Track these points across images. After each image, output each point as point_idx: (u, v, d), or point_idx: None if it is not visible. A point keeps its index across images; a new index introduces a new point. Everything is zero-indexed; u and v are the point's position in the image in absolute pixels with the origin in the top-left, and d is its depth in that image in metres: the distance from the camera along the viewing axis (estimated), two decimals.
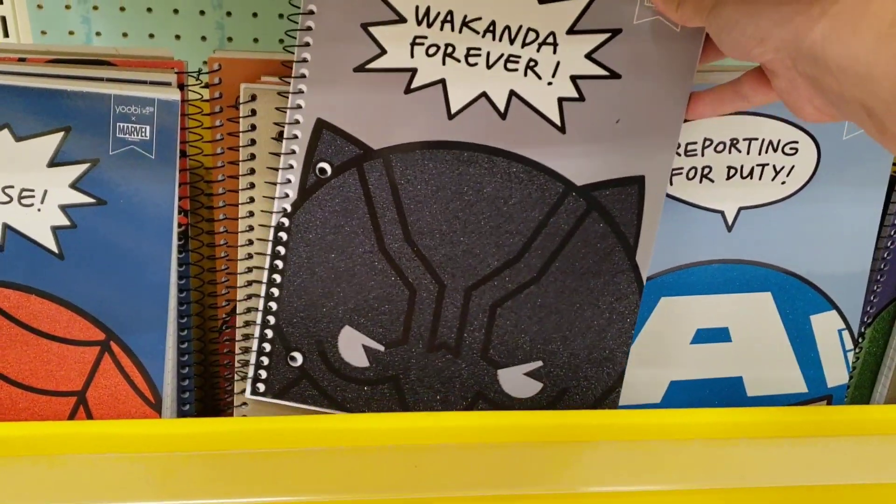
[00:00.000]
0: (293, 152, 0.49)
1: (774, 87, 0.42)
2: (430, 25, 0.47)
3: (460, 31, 0.47)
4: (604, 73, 0.47)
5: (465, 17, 0.47)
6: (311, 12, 0.46)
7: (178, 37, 0.75)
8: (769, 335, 0.56)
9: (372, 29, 0.47)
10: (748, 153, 0.52)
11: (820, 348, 0.57)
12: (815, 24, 0.36)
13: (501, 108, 0.48)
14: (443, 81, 0.47)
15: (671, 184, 0.52)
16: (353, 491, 0.46)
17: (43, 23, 0.74)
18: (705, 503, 0.48)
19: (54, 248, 0.47)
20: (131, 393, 0.50)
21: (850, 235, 0.55)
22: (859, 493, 0.50)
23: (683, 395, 0.57)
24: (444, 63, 0.47)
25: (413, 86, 0.47)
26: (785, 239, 0.55)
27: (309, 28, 0.47)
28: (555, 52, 0.47)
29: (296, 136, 0.48)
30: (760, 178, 0.53)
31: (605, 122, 0.48)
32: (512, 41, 0.47)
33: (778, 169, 0.53)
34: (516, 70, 0.47)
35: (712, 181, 0.52)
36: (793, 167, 0.53)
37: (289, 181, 0.49)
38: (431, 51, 0.47)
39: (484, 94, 0.48)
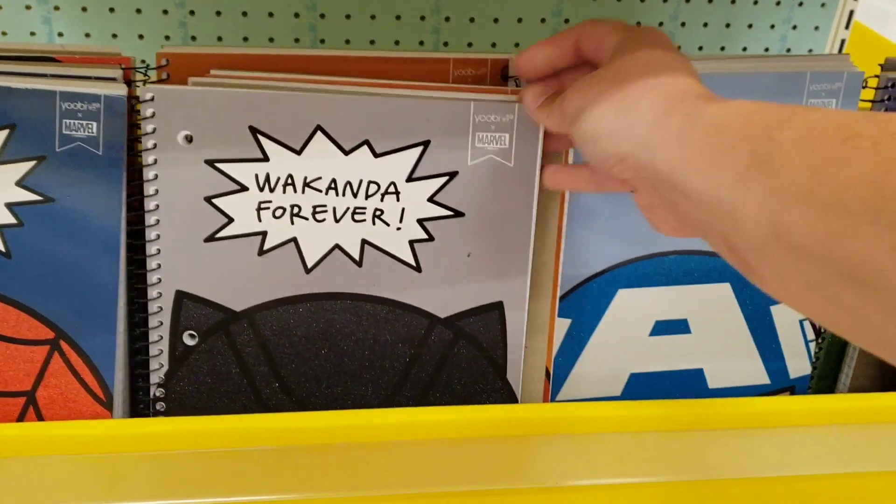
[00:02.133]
0: (160, 324, 0.50)
1: (635, 199, 0.42)
2: (272, 190, 0.48)
3: (303, 192, 0.48)
4: (448, 213, 0.49)
5: (306, 178, 0.48)
6: (157, 192, 0.48)
7: (140, 36, 0.75)
8: (729, 326, 0.57)
9: (216, 201, 0.48)
10: None
11: (781, 339, 0.58)
12: (675, 153, 0.35)
13: (356, 256, 0.49)
14: (294, 240, 0.49)
15: None
16: (302, 489, 0.46)
17: (3, 24, 0.73)
18: (663, 496, 0.49)
19: (1, 247, 0.47)
20: (82, 392, 0.49)
21: None
22: (823, 483, 0.50)
23: (644, 387, 0.57)
24: (292, 223, 0.49)
25: (266, 247, 0.49)
26: None
27: (157, 207, 0.48)
28: (398, 199, 0.49)
29: (160, 309, 0.50)
30: None
31: (457, 257, 0.50)
32: (355, 195, 0.48)
33: None
34: (364, 220, 0.49)
35: None
36: None
37: (160, 352, 0.50)
38: (278, 213, 0.49)
39: (337, 246, 0.49)
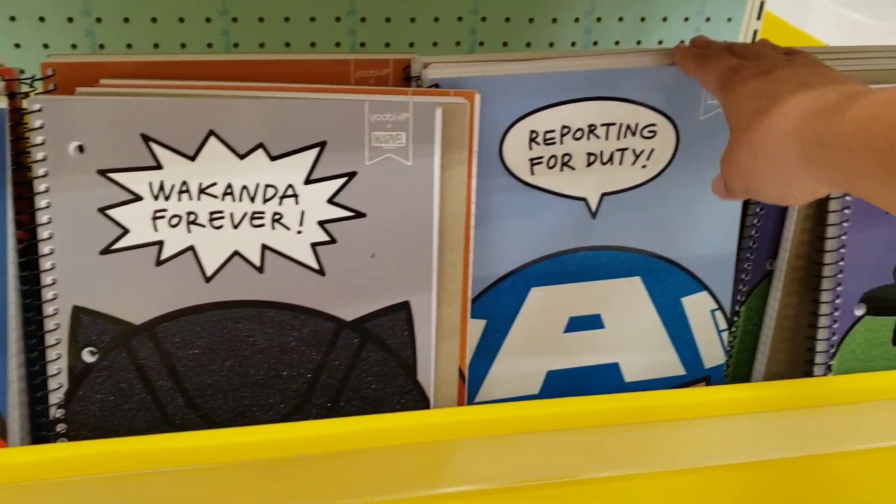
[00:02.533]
0: (57, 342, 0.48)
1: None
2: (167, 198, 0.47)
3: (199, 199, 0.47)
4: (349, 214, 0.48)
5: (201, 184, 0.47)
6: (49, 206, 0.46)
7: (46, 45, 0.72)
8: (642, 319, 0.57)
9: (110, 212, 0.47)
10: (607, 138, 0.53)
11: (694, 330, 0.58)
12: (837, 180, 0.38)
13: (256, 262, 0.48)
14: (192, 248, 0.48)
15: (532, 173, 0.52)
16: None
17: None
18: (579, 494, 0.49)
19: None
20: None
21: (715, 216, 0.56)
22: (738, 472, 0.51)
23: (562, 384, 0.57)
24: (189, 231, 0.47)
25: (163, 257, 0.48)
26: (650, 223, 0.55)
27: (49, 221, 0.46)
28: (297, 202, 0.48)
29: (57, 326, 0.48)
30: (621, 163, 0.53)
31: (361, 258, 0.49)
32: (252, 199, 0.47)
33: (638, 153, 0.53)
34: (263, 225, 0.48)
35: (573, 168, 0.53)
36: (652, 150, 0.54)
37: (59, 371, 0.48)
38: (174, 221, 0.47)
39: (237, 253, 0.48)
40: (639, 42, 0.95)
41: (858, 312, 0.56)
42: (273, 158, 0.47)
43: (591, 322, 0.56)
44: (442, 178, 0.49)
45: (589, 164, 0.53)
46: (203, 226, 0.47)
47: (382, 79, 0.53)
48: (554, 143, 0.52)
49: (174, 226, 0.47)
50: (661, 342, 0.58)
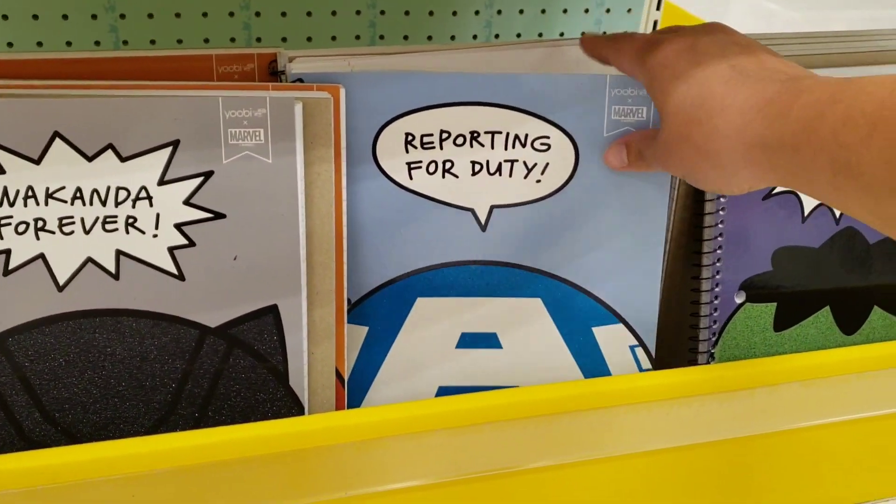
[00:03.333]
0: None
1: None
2: (12, 205, 0.44)
3: (47, 204, 0.45)
4: (207, 215, 0.46)
5: (48, 189, 0.44)
6: None
7: None
8: (546, 345, 0.53)
9: None
10: (492, 147, 0.50)
11: (610, 366, 0.54)
12: (779, 178, 0.38)
13: (111, 268, 0.46)
14: (42, 256, 0.45)
15: (411, 178, 0.50)
16: None
17: None
18: (461, 494, 0.48)
19: None
20: None
21: (631, 242, 0.52)
22: (676, 455, 0.51)
23: None
24: (38, 238, 0.45)
25: (11, 266, 0.45)
26: (548, 242, 0.51)
27: None
28: (151, 204, 0.46)
29: None
30: (511, 176, 0.50)
31: (223, 261, 0.47)
32: (104, 203, 0.45)
33: (530, 166, 0.50)
34: (117, 229, 0.46)
35: (456, 176, 0.50)
36: (547, 164, 0.50)
37: None
38: (21, 228, 0.45)
39: (90, 259, 0.46)
40: (540, 34, 0.95)
41: (739, 300, 0.56)
42: (123, 159, 0.45)
43: (486, 340, 0.53)
44: (307, 176, 0.48)
45: (474, 173, 0.50)
46: (52, 232, 0.45)
47: (247, 74, 0.51)
48: (433, 147, 0.50)
49: (21, 233, 0.45)
50: (571, 374, 0.54)
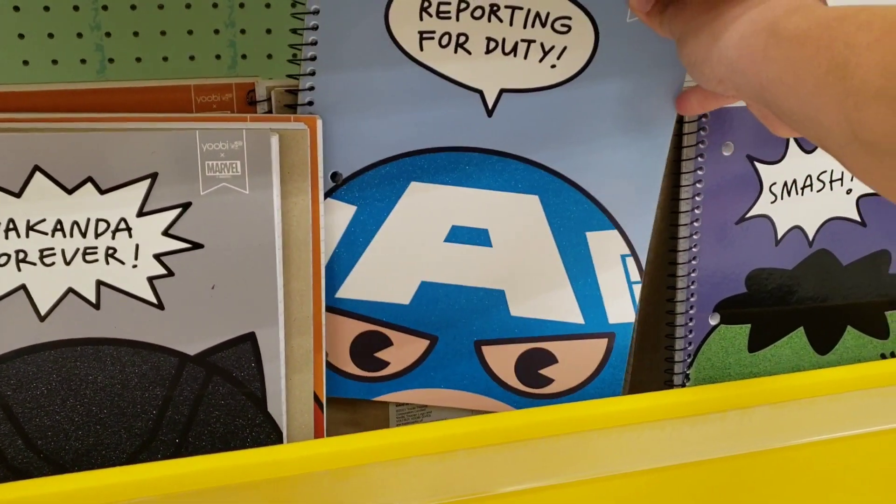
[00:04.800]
0: None
1: (749, 108, 0.46)
2: None
3: (27, 236, 0.45)
4: (185, 245, 0.47)
5: (29, 221, 0.45)
6: None
7: None
8: (537, 247, 0.50)
9: None
10: (511, 24, 0.46)
11: (599, 273, 0.52)
12: (763, 70, 0.37)
13: (92, 298, 0.47)
14: (23, 287, 0.46)
15: (421, 49, 0.46)
16: None
17: None
18: None
19: None
20: None
21: (637, 145, 0.49)
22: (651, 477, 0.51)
23: (436, 300, 0.51)
24: (19, 269, 0.46)
25: None
26: (556, 136, 0.48)
27: None
28: (130, 235, 0.46)
29: None
30: (526, 57, 0.47)
31: (201, 290, 0.48)
32: (84, 234, 0.46)
33: (547, 48, 0.47)
34: (97, 260, 0.46)
35: (469, 52, 0.46)
36: (565, 48, 0.47)
37: None
38: (2, 260, 0.45)
39: (71, 290, 0.46)
40: None
41: (713, 322, 0.57)
42: (103, 192, 0.45)
43: (476, 236, 0.50)
44: (284, 207, 0.48)
45: (488, 51, 0.46)
46: (34, 264, 0.46)
47: (225, 104, 0.52)
48: (449, 17, 0.45)
49: (2, 265, 0.45)
50: (558, 279, 0.51)
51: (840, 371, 0.55)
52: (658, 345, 0.59)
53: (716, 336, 0.57)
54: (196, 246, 0.47)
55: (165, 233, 0.47)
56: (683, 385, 0.57)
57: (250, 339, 0.49)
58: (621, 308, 0.53)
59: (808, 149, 0.57)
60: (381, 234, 0.50)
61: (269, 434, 0.51)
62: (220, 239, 0.47)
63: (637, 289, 0.53)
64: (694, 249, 0.55)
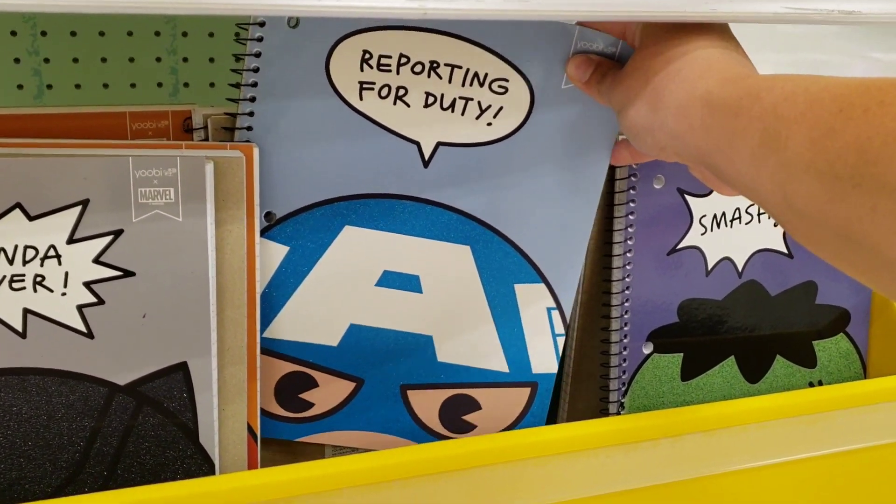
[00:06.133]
0: None
1: (690, 171, 0.48)
2: None
3: None
4: (116, 273, 0.46)
5: None
6: None
7: None
8: (466, 296, 0.51)
9: None
10: (450, 81, 0.48)
11: (525, 324, 0.53)
12: (701, 140, 0.39)
13: (18, 327, 0.46)
14: None
15: (361, 98, 0.47)
16: None
17: None
18: None
19: None
20: None
21: (566, 203, 0.51)
22: None
23: (364, 342, 0.52)
24: None
25: None
26: (488, 189, 0.50)
27: None
28: (60, 263, 0.46)
29: None
30: (463, 114, 0.48)
31: (132, 319, 0.47)
32: (11, 262, 0.45)
33: (483, 107, 0.48)
34: (24, 288, 0.45)
35: (408, 105, 0.48)
36: (501, 108, 0.49)
37: None
38: None
39: None
40: None
41: (646, 350, 0.58)
42: (31, 218, 0.45)
43: (407, 282, 0.51)
44: (218, 234, 0.48)
45: (426, 105, 0.48)
46: None
47: (161, 131, 0.52)
48: (389, 70, 0.47)
49: None
50: (486, 328, 0.52)
51: (769, 399, 0.56)
52: (594, 373, 0.60)
53: (649, 365, 0.58)
54: (127, 274, 0.46)
55: (96, 260, 0.46)
56: (618, 413, 0.58)
57: (182, 368, 0.48)
58: (545, 359, 0.55)
59: None
60: (313, 275, 0.50)
61: (200, 466, 0.50)
62: (153, 266, 0.47)
63: (560, 341, 0.54)
64: (627, 279, 0.56)
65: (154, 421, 0.49)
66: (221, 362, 0.49)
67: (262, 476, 0.49)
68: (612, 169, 0.55)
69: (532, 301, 0.53)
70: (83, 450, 0.48)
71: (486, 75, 0.48)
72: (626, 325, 0.57)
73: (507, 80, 0.48)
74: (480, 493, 0.50)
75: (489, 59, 0.48)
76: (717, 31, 0.44)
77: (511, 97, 0.49)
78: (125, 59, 0.84)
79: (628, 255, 0.56)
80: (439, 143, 0.49)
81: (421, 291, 0.51)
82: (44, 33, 0.81)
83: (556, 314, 0.54)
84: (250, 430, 0.52)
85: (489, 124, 0.49)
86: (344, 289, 0.51)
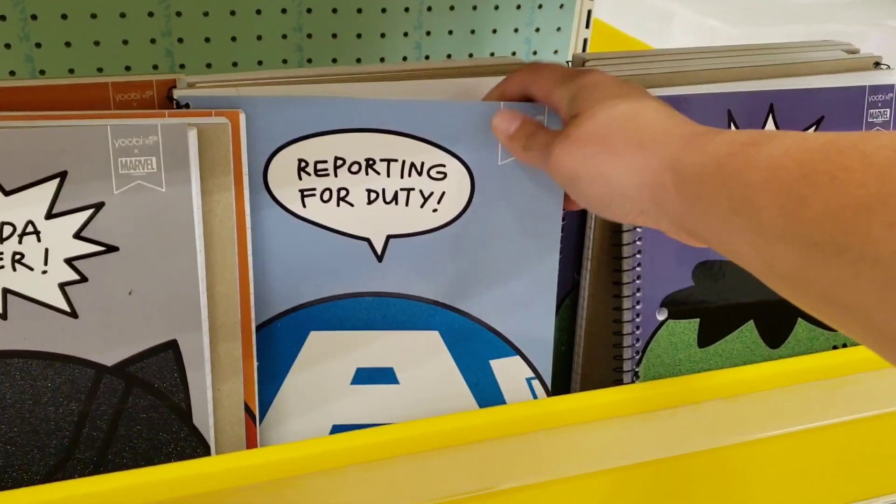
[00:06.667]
0: None
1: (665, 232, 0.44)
2: None
3: None
4: (99, 248, 0.44)
5: None
6: None
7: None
8: (443, 379, 0.52)
9: None
10: (388, 175, 0.49)
11: (508, 398, 0.53)
12: (676, 206, 0.38)
13: None
14: None
15: (304, 206, 0.48)
16: None
17: None
18: None
19: None
20: None
21: (527, 273, 0.51)
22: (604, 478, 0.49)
23: None
24: None
25: None
26: (445, 273, 0.50)
27: None
28: (39, 239, 0.43)
29: None
30: (407, 204, 0.49)
31: (118, 296, 0.45)
32: None
33: (426, 195, 0.49)
34: (3, 267, 0.43)
35: (352, 205, 0.49)
36: (443, 193, 0.49)
37: None
38: None
39: None
40: (470, 55, 0.94)
41: (661, 317, 0.55)
42: (7, 193, 0.43)
43: (382, 376, 0.51)
44: (205, 205, 0.46)
45: (370, 202, 0.49)
46: None
47: (146, 102, 0.50)
48: (327, 174, 0.48)
49: None
50: (469, 407, 0.53)
51: (792, 362, 0.53)
52: (608, 343, 0.57)
53: (664, 332, 0.56)
54: (111, 249, 0.44)
55: (77, 235, 0.44)
56: (633, 383, 0.55)
57: (172, 346, 0.46)
58: None
59: None
60: (286, 386, 0.51)
61: (195, 448, 0.48)
62: (137, 240, 0.45)
63: None
64: (638, 242, 0.54)
65: (145, 402, 0.46)
66: (214, 339, 0.47)
67: (259, 456, 0.47)
68: None
69: (510, 374, 0.53)
70: (72, 435, 0.46)
71: (422, 164, 0.49)
72: (638, 290, 0.54)
73: (443, 166, 0.49)
74: (492, 465, 0.48)
75: (423, 147, 0.49)
76: (639, 88, 0.44)
77: (451, 181, 0.49)
78: (119, 41, 0.82)
79: None
80: (389, 237, 0.50)
81: (398, 382, 0.52)
82: (34, 17, 0.79)
83: (536, 383, 0.53)
84: (248, 410, 0.49)
85: (434, 210, 0.50)
86: (320, 393, 0.51)
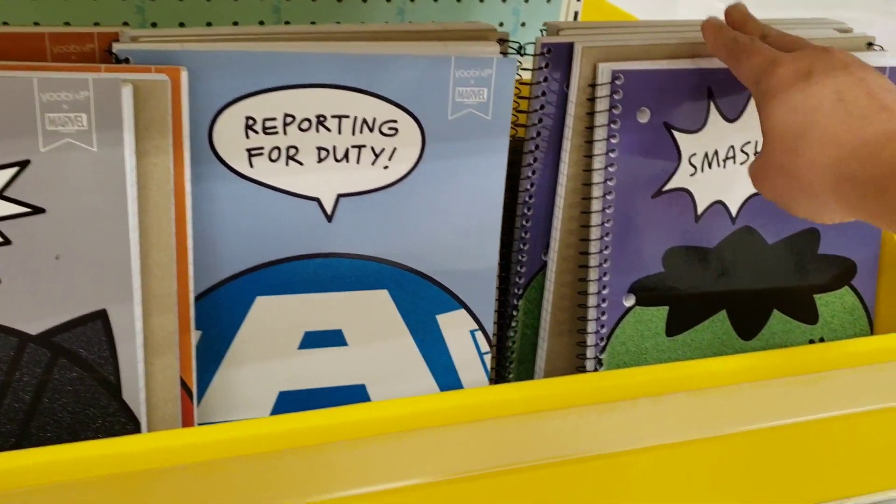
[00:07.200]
0: None
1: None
2: None
3: None
4: (24, 210, 0.41)
5: None
6: None
7: None
8: (391, 338, 0.52)
9: None
10: (339, 132, 0.47)
11: (452, 352, 0.53)
12: (870, 213, 0.40)
13: None
14: None
15: (251, 166, 0.46)
16: None
17: None
18: None
19: None
20: None
21: (472, 227, 0.51)
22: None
23: (297, 406, 0.51)
24: None
25: None
26: (395, 230, 0.50)
27: None
28: None
29: None
30: (358, 162, 0.48)
31: (44, 261, 0.42)
32: None
33: (377, 151, 0.48)
34: None
35: (301, 164, 0.47)
36: (395, 149, 0.48)
37: None
38: None
39: None
40: None
41: (627, 303, 0.53)
42: None
43: (330, 338, 0.50)
44: (140, 167, 0.43)
45: (320, 160, 0.47)
46: None
47: (86, 55, 0.47)
48: (276, 132, 0.46)
49: None
50: (415, 364, 0.52)
51: (764, 356, 0.51)
52: (572, 329, 0.55)
53: (630, 318, 0.53)
54: (37, 210, 0.42)
55: (0, 195, 0.41)
56: (596, 371, 0.53)
57: (101, 317, 0.43)
58: (475, 379, 0.54)
59: (730, 117, 0.52)
60: (231, 354, 0.49)
61: (125, 425, 0.45)
62: (65, 202, 0.42)
63: (487, 358, 0.54)
64: (607, 224, 0.51)
65: (71, 374, 0.44)
66: (147, 310, 0.45)
67: (194, 434, 0.44)
68: (591, 100, 0.50)
69: (455, 327, 0.53)
70: None
71: (374, 120, 0.48)
72: (605, 274, 0.52)
73: (395, 122, 0.48)
74: (441, 454, 0.46)
75: (374, 103, 0.47)
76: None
77: (402, 137, 0.48)
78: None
79: (608, 197, 0.50)
80: (339, 196, 0.49)
81: (346, 344, 0.51)
82: None
83: (479, 335, 0.53)
84: (185, 386, 0.47)
85: (385, 167, 0.49)
86: (266, 360, 0.50)
